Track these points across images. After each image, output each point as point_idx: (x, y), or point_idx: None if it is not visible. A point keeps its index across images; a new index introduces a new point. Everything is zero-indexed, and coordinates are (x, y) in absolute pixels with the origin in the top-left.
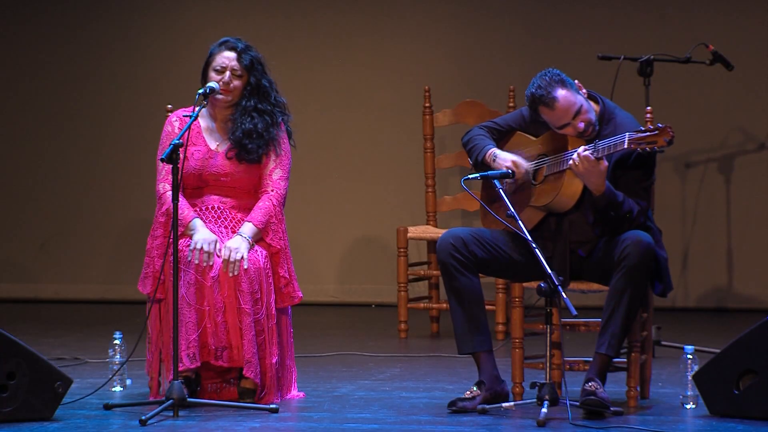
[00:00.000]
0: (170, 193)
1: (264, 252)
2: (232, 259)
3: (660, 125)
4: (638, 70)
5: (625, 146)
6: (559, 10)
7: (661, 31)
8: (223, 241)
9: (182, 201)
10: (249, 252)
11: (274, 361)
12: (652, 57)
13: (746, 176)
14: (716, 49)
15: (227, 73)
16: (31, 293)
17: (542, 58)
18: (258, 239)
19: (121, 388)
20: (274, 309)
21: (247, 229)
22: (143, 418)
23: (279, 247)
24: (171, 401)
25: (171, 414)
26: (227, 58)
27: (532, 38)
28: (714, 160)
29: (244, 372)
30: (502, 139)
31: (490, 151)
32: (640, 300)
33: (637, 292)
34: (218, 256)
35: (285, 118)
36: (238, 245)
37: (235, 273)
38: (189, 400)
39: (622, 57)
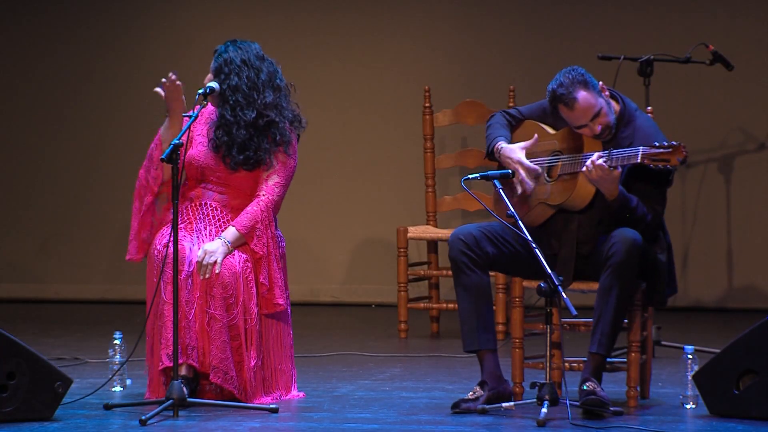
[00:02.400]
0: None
1: (244, 256)
2: (205, 263)
3: (674, 143)
4: (638, 70)
5: (638, 160)
6: (559, 10)
7: (661, 31)
8: (206, 241)
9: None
10: (227, 257)
11: (252, 364)
12: (652, 57)
13: (746, 176)
14: (716, 49)
15: (209, 74)
16: (31, 293)
17: (542, 58)
18: (241, 244)
19: (121, 388)
20: (255, 313)
21: (229, 233)
22: (143, 418)
23: (262, 253)
24: (171, 401)
25: (171, 414)
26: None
27: (532, 38)
28: (714, 160)
29: (210, 378)
30: (519, 126)
31: (498, 144)
32: (629, 297)
33: (624, 290)
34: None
35: (294, 124)
36: (215, 249)
37: (206, 276)
38: (189, 400)
39: (622, 57)
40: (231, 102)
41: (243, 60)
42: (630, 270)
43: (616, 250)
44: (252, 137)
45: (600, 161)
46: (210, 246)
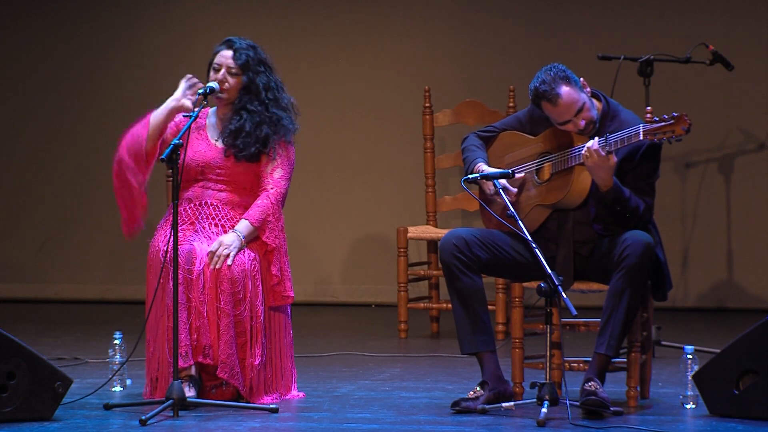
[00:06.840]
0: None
1: (252, 254)
2: (218, 253)
3: (675, 114)
4: (638, 70)
5: (640, 138)
6: (559, 10)
7: (661, 31)
8: (213, 239)
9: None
10: (239, 252)
11: (256, 362)
12: (652, 57)
13: (746, 176)
14: (716, 49)
15: (222, 70)
16: (31, 293)
17: (542, 58)
18: (253, 237)
19: (121, 388)
20: (261, 311)
21: (243, 226)
22: (143, 418)
23: (274, 245)
24: (171, 401)
25: (171, 414)
26: (224, 56)
27: (532, 38)
28: (714, 160)
29: (217, 372)
30: (495, 139)
31: (477, 165)
32: (640, 300)
33: (637, 293)
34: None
35: (286, 120)
36: (230, 242)
37: (218, 266)
38: (189, 400)
39: (622, 57)
40: (265, 99)
41: (261, 60)
42: (643, 273)
43: (631, 253)
44: (270, 136)
45: (596, 146)
46: (226, 238)
